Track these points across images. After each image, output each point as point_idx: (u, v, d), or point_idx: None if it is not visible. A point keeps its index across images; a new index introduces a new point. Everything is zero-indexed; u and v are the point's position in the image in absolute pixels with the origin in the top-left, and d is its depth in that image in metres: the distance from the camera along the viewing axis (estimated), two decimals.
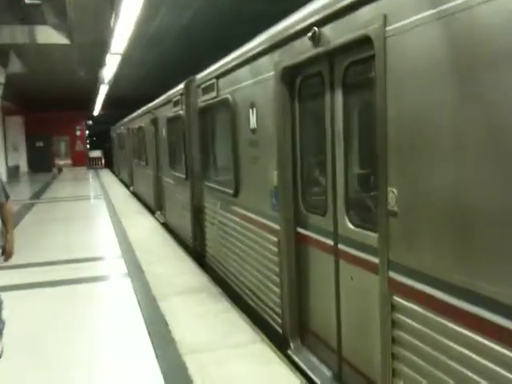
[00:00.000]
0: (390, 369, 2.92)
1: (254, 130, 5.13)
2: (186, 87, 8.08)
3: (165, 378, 3.94)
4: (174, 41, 14.74)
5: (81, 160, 36.01)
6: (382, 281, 2.94)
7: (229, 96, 5.82)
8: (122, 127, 22.94)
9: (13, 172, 27.96)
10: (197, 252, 8.03)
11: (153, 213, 12.97)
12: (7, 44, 14.03)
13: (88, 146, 39.58)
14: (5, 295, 4.77)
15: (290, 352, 4.38)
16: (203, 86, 7.09)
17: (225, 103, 6.00)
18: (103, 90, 23.57)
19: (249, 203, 5.50)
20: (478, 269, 2.25)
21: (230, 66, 5.84)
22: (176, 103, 8.96)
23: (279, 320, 4.63)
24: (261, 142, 4.99)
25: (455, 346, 2.39)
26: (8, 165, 27.13)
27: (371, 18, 2.88)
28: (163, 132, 10.86)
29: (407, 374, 2.76)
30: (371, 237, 3.18)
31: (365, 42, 2.95)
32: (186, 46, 15.13)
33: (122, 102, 28.36)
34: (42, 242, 9.51)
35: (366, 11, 2.96)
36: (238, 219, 5.86)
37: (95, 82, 21.40)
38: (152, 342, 4.60)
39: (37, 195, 18.75)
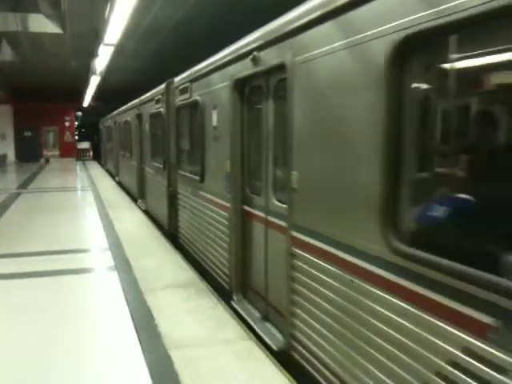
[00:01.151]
0: (290, 300, 4.11)
1: (215, 127, 6.31)
2: (167, 88, 9.13)
3: (151, 372, 3.90)
4: (170, 33, 14.62)
5: (69, 151, 35.72)
6: (287, 238, 4.15)
7: (198, 98, 6.98)
8: (109, 120, 24.02)
9: (0, 161, 27.71)
10: (171, 233, 9.06)
11: (135, 201, 13.84)
12: None
13: (77, 137, 39.23)
14: None
15: (233, 303, 5.56)
16: (180, 87, 8.20)
17: (195, 104, 7.10)
18: (94, 82, 23.36)
19: (210, 187, 6.65)
20: (336, 224, 3.45)
21: (200, 72, 6.96)
22: (158, 101, 10.10)
23: (227, 279, 5.86)
24: (220, 137, 6.13)
25: (331, 281, 3.50)
26: None
27: (285, 52, 4.08)
28: (146, 126, 11.97)
29: (301, 303, 3.95)
30: (284, 208, 4.31)
31: (283, 67, 4.10)
32: (182, 38, 15.02)
33: (114, 94, 28.17)
34: (29, 233, 9.39)
35: (283, 46, 4.18)
36: (202, 201, 7.00)
37: (87, 72, 21.20)
38: (138, 337, 4.56)
39: (24, 185, 18.55)
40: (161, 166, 9.87)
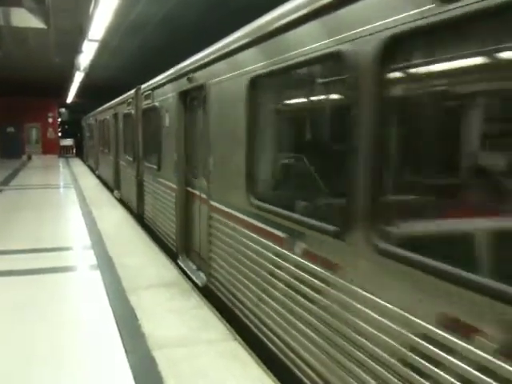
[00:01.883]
0: (209, 249, 5.77)
1: (167, 127, 8.12)
2: (136, 93, 10.93)
3: (134, 373, 3.84)
4: (155, 28, 14.47)
5: (52, 148, 35.34)
6: (208, 207, 5.81)
7: (157, 103, 8.86)
8: (91, 118, 25.60)
9: None
10: (139, 215, 10.77)
11: (112, 191, 15.49)
12: None
13: (60, 134, 38.81)
14: None
15: (179, 261, 7.20)
16: (145, 94, 10.06)
17: (155, 108, 8.97)
18: (78, 78, 23.13)
19: (164, 174, 8.41)
20: (230, 193, 5.12)
21: (159, 83, 8.76)
22: (129, 104, 11.92)
23: (175, 244, 7.58)
24: (170, 135, 7.92)
25: (232, 233, 5.01)
26: None
27: (205, 76, 5.93)
28: (120, 125, 13.75)
29: (216, 250, 5.55)
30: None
31: (203, 86, 5.94)
32: (168, 33, 14.87)
33: (97, 90, 27.90)
34: (10, 230, 9.26)
35: (203, 72, 6.02)
36: (159, 186, 8.80)
37: (71, 68, 20.96)
38: (121, 337, 4.50)
39: (5, 182, 18.30)
40: (131, 159, 11.67)
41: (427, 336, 2.42)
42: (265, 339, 4.26)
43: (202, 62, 6.03)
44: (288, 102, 4.86)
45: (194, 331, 4.65)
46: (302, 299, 3.61)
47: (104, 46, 15.17)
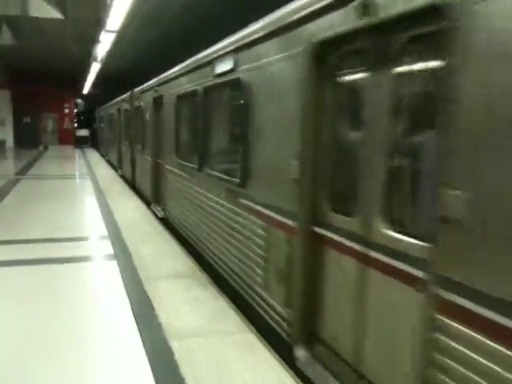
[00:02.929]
0: (164, 190, 9.40)
1: (147, 121, 11.66)
2: (131, 94, 14.78)
3: (150, 362, 3.87)
4: (172, 18, 14.46)
5: (68, 138, 35.57)
6: (164, 169, 8.93)
7: (142, 104, 12.45)
8: (102, 112, 29.23)
9: None
10: (132, 183, 14.80)
11: (116, 169, 19.51)
12: None
13: (75, 124, 39.02)
14: None
15: (152, 207, 10.56)
16: (136, 95, 13.72)
17: (141, 107, 12.65)
18: (95, 69, 23.22)
19: (146, 152, 12.02)
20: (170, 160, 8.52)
21: (143, 90, 12.40)
22: (127, 102, 15.82)
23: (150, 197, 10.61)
24: (148, 126, 11.53)
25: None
26: None
27: (162, 90, 9.66)
28: (122, 118, 17.74)
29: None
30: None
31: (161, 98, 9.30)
32: (185, 23, 14.84)
33: (113, 81, 28.00)
34: (28, 220, 9.35)
35: (161, 87, 9.62)
36: (142, 160, 12.61)
37: (87, 59, 21.06)
38: (138, 326, 4.53)
39: (23, 171, 18.48)
40: (128, 144, 15.60)
41: None
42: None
43: (160, 82, 9.97)
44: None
45: (209, 322, 4.67)
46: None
47: (121, 36, 15.19)
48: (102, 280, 6.10)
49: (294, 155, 3.89)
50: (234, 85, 5.35)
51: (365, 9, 3.01)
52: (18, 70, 27.68)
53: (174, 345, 4.16)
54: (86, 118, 42.29)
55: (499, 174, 2.20)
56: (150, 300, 5.20)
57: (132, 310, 4.94)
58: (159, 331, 4.43)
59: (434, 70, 2.75)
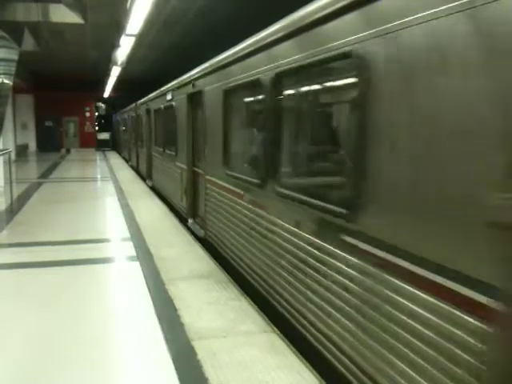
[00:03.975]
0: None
1: (144, 126, 16.96)
2: (135, 105, 19.75)
3: (174, 362, 3.90)
4: (191, 22, 14.58)
5: (89, 141, 35.99)
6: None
7: (141, 113, 17.74)
8: (118, 117, 33.75)
9: (21, 151, 27.95)
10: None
11: (126, 161, 24.98)
12: (21, 21, 13.91)
13: (97, 128, 39.45)
14: (10, 272, 4.72)
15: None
16: (139, 106, 18.36)
17: (140, 115, 18.13)
18: (115, 72, 23.46)
19: (143, 149, 17.32)
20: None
21: (141, 102, 17.33)
22: (134, 110, 20.56)
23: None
24: (145, 130, 16.57)
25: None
26: (17, 143, 27.10)
27: (149, 105, 15.53)
28: (130, 123, 22.71)
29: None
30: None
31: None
32: (204, 27, 14.95)
33: (133, 84, 28.25)
34: (51, 222, 9.48)
35: (146, 103, 16.31)
36: (142, 154, 17.79)
37: (107, 63, 21.29)
38: (161, 327, 4.56)
39: (45, 175, 18.74)
40: (133, 141, 21.31)
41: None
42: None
43: (145, 100, 14.24)
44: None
45: (232, 322, 4.68)
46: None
47: (140, 40, 15.35)
48: (124, 281, 6.15)
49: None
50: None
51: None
52: (40, 75, 28.11)
53: (197, 345, 4.18)
54: (107, 122, 42.75)
55: None
56: (172, 300, 5.23)
57: (155, 309, 4.98)
58: (182, 332, 4.46)
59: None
